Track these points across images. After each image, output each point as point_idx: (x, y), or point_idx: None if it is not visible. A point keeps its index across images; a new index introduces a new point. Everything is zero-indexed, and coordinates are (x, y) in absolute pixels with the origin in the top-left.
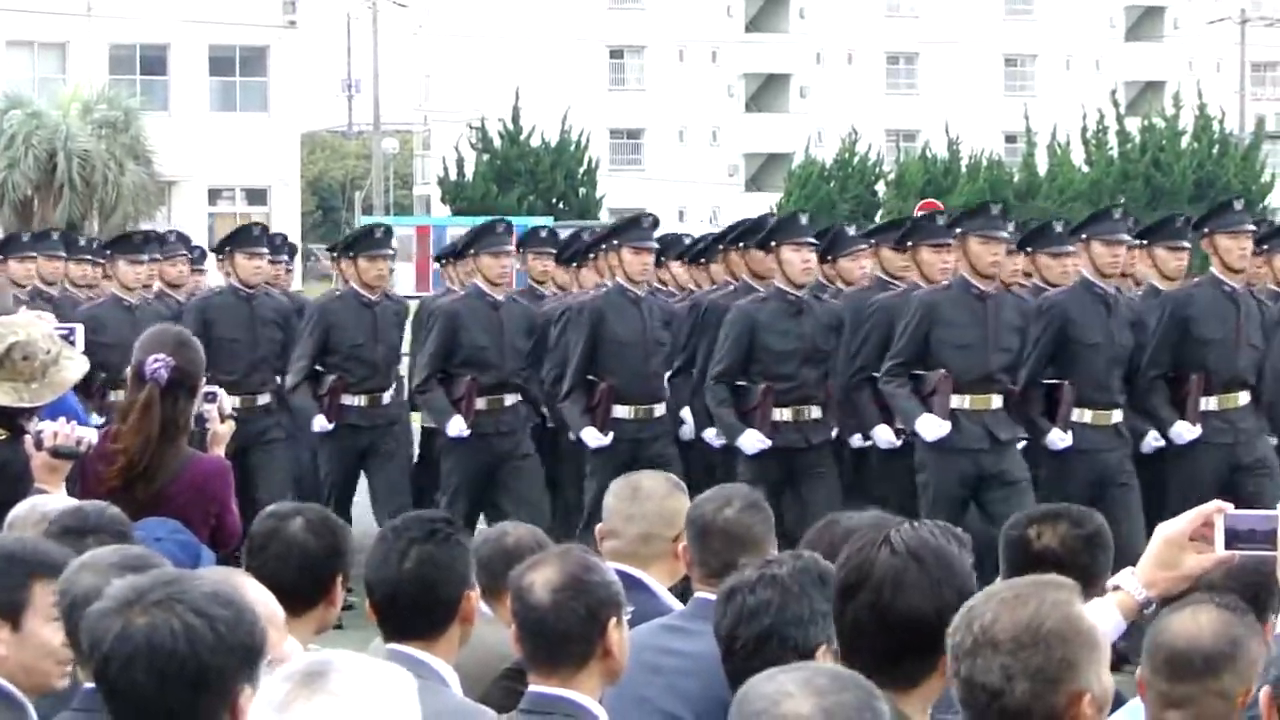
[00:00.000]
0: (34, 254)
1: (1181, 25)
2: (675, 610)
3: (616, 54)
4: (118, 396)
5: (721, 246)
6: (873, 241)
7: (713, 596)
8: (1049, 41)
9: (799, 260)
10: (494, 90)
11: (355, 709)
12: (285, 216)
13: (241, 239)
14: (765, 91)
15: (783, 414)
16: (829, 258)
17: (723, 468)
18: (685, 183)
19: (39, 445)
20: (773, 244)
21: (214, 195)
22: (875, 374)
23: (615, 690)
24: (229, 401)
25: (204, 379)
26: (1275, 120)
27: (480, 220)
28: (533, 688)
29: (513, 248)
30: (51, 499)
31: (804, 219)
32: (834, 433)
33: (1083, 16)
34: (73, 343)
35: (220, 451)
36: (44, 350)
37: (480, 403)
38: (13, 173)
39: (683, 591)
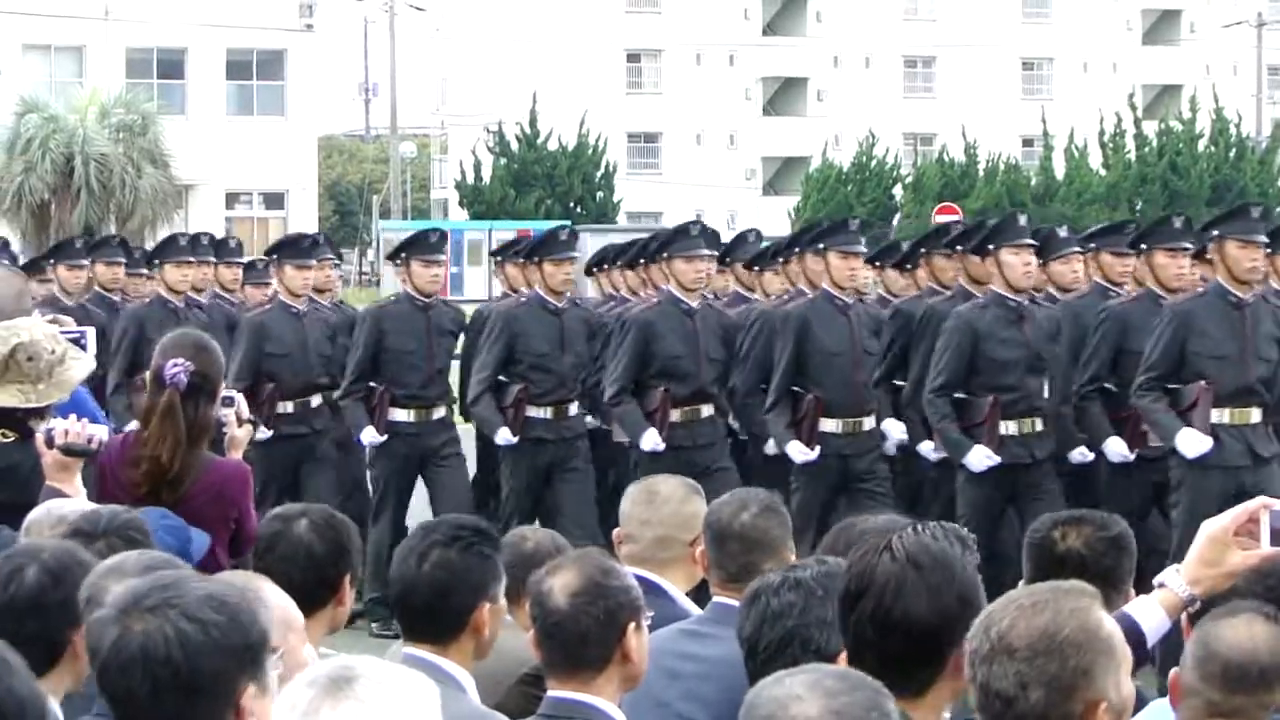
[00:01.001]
0: (86, 260)
1: (1198, 29)
2: (692, 615)
3: (634, 57)
4: None
5: (796, 250)
6: (1093, 245)
7: (731, 601)
8: (1066, 45)
9: (1019, 264)
10: (511, 94)
11: (381, 716)
12: (302, 221)
13: (287, 248)
14: (782, 95)
15: (1008, 427)
16: (1039, 261)
17: (931, 484)
18: (702, 186)
19: (50, 444)
20: (991, 247)
21: (231, 199)
22: (1107, 385)
23: (633, 695)
24: (246, 407)
25: (224, 383)
26: None
27: (504, 223)
28: (551, 693)
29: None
30: (69, 503)
31: (1022, 220)
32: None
33: (1100, 20)
34: (84, 346)
35: (238, 455)
36: (49, 351)
37: (674, 414)
38: (30, 177)
39: (700, 596)
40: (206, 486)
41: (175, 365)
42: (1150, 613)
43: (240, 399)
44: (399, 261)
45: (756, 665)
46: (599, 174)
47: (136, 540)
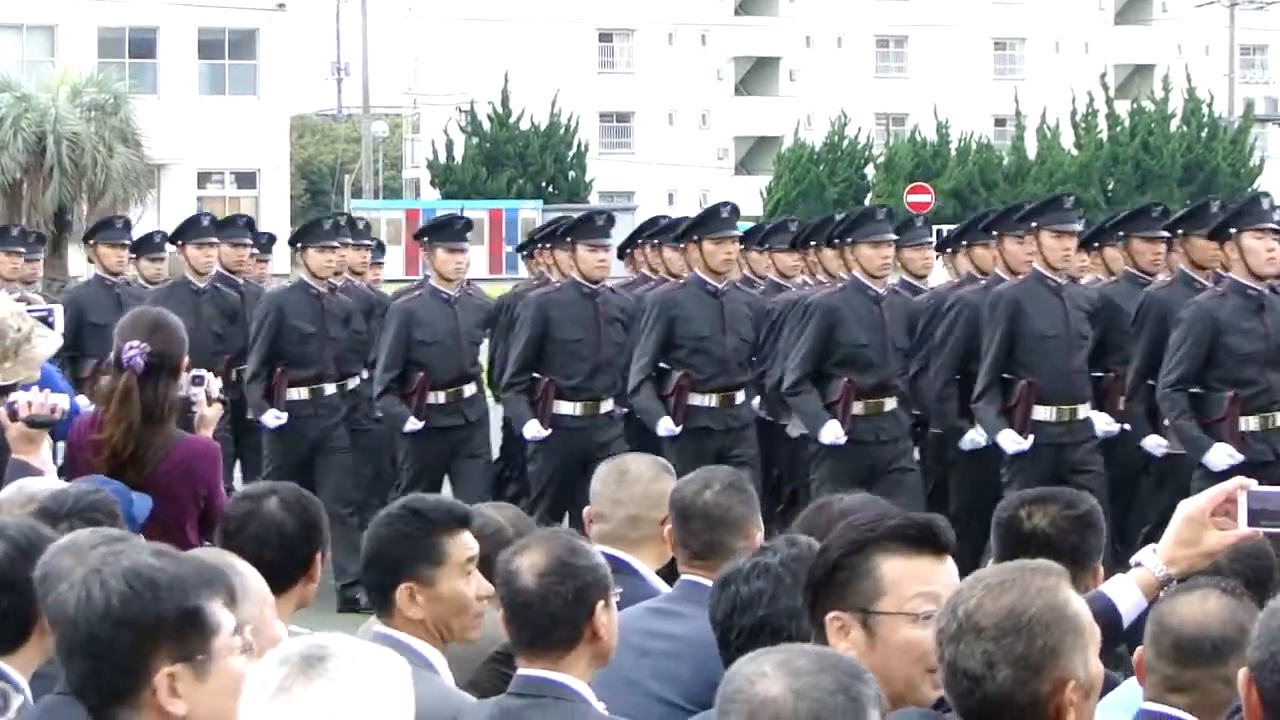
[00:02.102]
0: (216, 240)
1: (1171, 8)
2: (662, 593)
3: (606, 37)
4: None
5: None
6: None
7: (698, 578)
8: (1038, 24)
9: (1263, 249)
10: (483, 73)
11: (353, 695)
12: (274, 200)
13: (312, 231)
14: (755, 75)
15: (1248, 423)
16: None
17: (1153, 478)
18: (675, 166)
19: (13, 416)
20: (1232, 231)
21: (203, 179)
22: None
23: (603, 674)
24: (216, 385)
25: (186, 359)
26: (1264, 104)
27: (476, 203)
28: (521, 670)
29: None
30: (39, 481)
31: (1265, 203)
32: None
33: None
34: (51, 324)
35: (208, 434)
36: (14, 329)
37: (857, 407)
38: (1, 156)
39: (670, 574)
40: (175, 464)
41: (131, 348)
42: (1126, 593)
43: (210, 378)
44: (561, 246)
45: (730, 653)
46: (571, 153)
47: (101, 520)
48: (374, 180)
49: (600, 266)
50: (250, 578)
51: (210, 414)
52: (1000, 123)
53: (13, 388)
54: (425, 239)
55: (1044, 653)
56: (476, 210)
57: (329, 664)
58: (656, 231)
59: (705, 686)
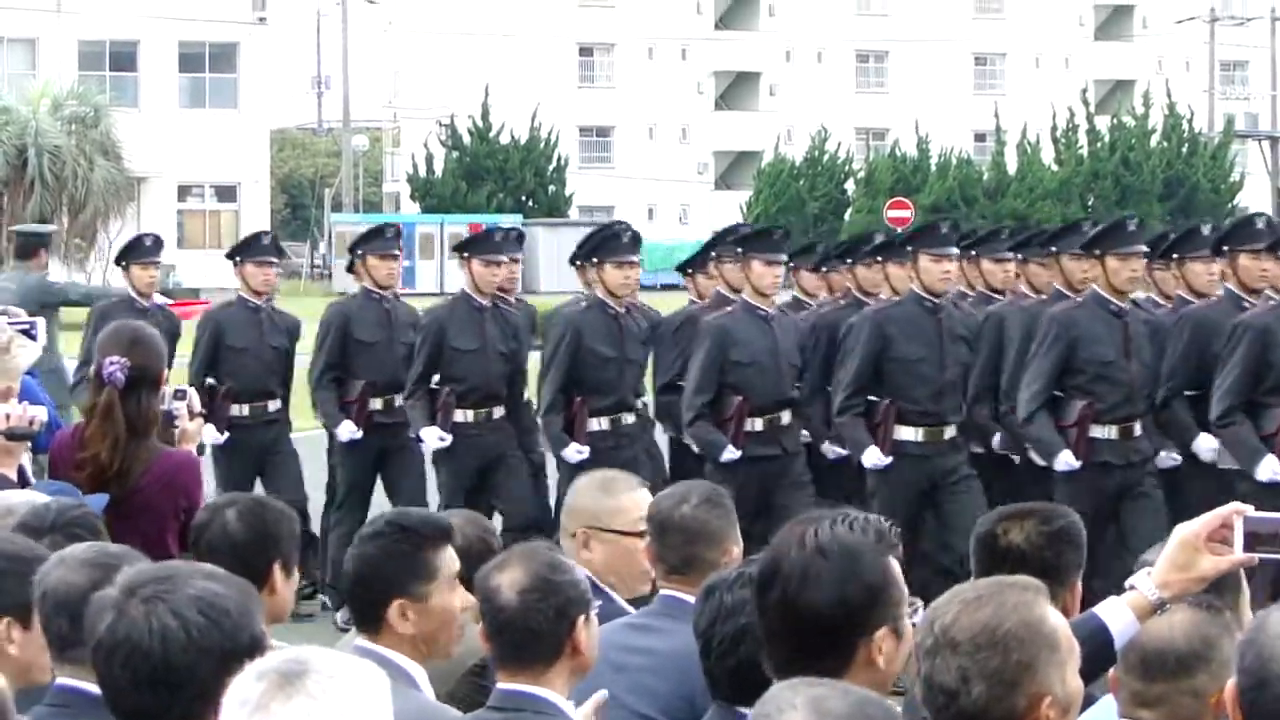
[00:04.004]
0: (275, 261)
1: (1151, 24)
2: (627, 611)
3: (586, 51)
4: None
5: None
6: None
7: (676, 593)
8: (1018, 40)
9: None
10: (464, 87)
11: (332, 710)
12: (254, 213)
13: (373, 240)
14: (735, 89)
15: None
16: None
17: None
18: (654, 180)
19: None
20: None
21: (183, 192)
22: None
23: (581, 689)
24: (198, 400)
25: (167, 372)
26: (1244, 119)
27: (456, 217)
28: (501, 685)
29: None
30: (16, 494)
31: None
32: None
33: (1052, 15)
34: (33, 336)
35: (191, 449)
36: None
37: (912, 433)
38: None
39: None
40: (156, 477)
41: (112, 363)
42: (1118, 614)
43: (192, 393)
44: (730, 258)
45: (711, 661)
46: (551, 168)
47: (83, 536)
48: (354, 194)
49: (776, 284)
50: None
51: (193, 428)
52: (980, 138)
53: None
54: (465, 253)
55: (1019, 668)
56: (456, 224)
57: (308, 679)
58: (846, 251)
59: (683, 701)
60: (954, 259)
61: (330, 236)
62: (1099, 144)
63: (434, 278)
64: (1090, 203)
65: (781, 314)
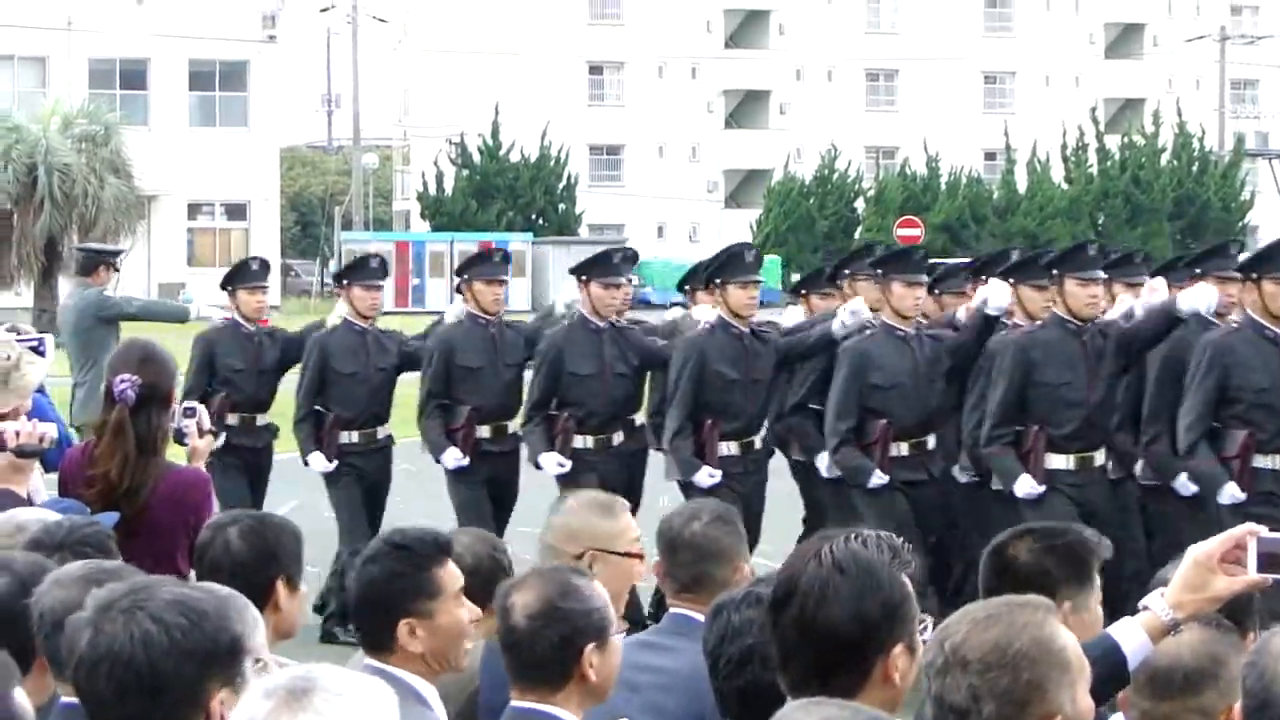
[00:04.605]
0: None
1: (1161, 42)
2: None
3: (596, 70)
4: None
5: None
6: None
7: (686, 611)
8: (1028, 58)
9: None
10: (474, 105)
11: None
12: (265, 232)
13: (480, 266)
14: (745, 108)
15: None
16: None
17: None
18: (664, 199)
19: (2, 446)
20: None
21: (193, 210)
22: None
23: (593, 709)
24: (207, 417)
25: (176, 389)
26: (1255, 138)
27: (466, 235)
28: (513, 703)
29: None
30: (27, 511)
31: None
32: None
33: (1062, 33)
34: (42, 353)
35: (201, 466)
36: (3, 357)
37: (1062, 461)
38: None
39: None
40: (166, 494)
41: (122, 381)
42: (1132, 635)
43: (202, 409)
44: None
45: (719, 680)
46: (561, 186)
47: (92, 554)
48: (364, 212)
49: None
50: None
51: (202, 445)
52: (990, 157)
53: (3, 417)
54: (584, 276)
55: (1029, 687)
56: (466, 243)
57: (315, 697)
58: (1015, 269)
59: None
60: (1100, 282)
61: (340, 255)
62: (1109, 163)
63: (444, 296)
64: (1100, 222)
65: (923, 335)
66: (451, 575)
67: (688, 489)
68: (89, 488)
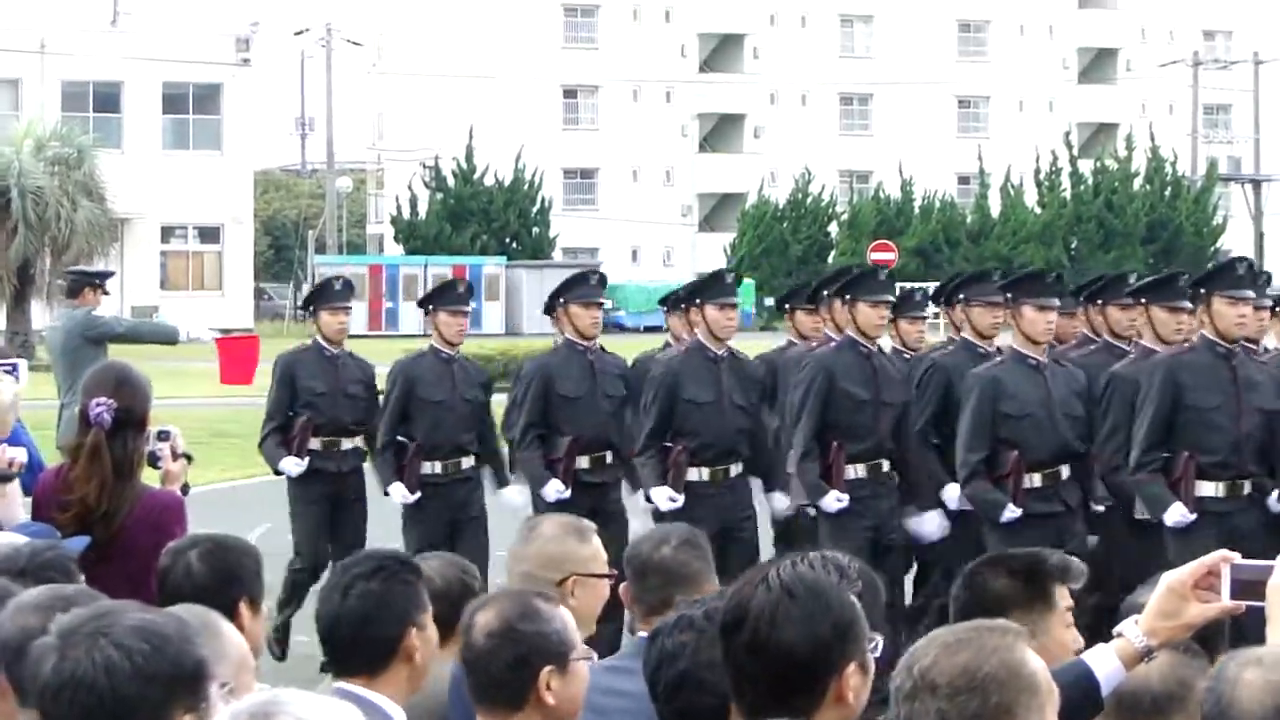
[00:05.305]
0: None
1: (1135, 67)
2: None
3: (570, 93)
4: None
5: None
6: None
7: None
8: (1002, 83)
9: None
10: (448, 129)
11: None
12: (238, 255)
13: (577, 286)
14: (719, 131)
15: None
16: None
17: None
18: (639, 222)
19: None
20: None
21: (167, 233)
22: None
23: None
24: (181, 440)
25: (150, 412)
26: (1228, 163)
27: (440, 259)
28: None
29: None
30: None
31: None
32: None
33: (1036, 58)
34: (16, 376)
35: (175, 489)
36: None
37: (1211, 488)
38: None
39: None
40: (141, 517)
41: (98, 405)
42: (1104, 661)
43: (176, 432)
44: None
45: (659, 706)
46: (535, 210)
47: (56, 579)
48: (338, 235)
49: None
50: (230, 639)
51: (176, 469)
52: (964, 181)
53: None
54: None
55: (998, 711)
56: (440, 266)
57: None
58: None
59: None
60: (1249, 302)
61: (314, 278)
62: (1082, 187)
63: (417, 320)
64: (1073, 246)
65: (1056, 363)
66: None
67: (819, 514)
68: (64, 512)
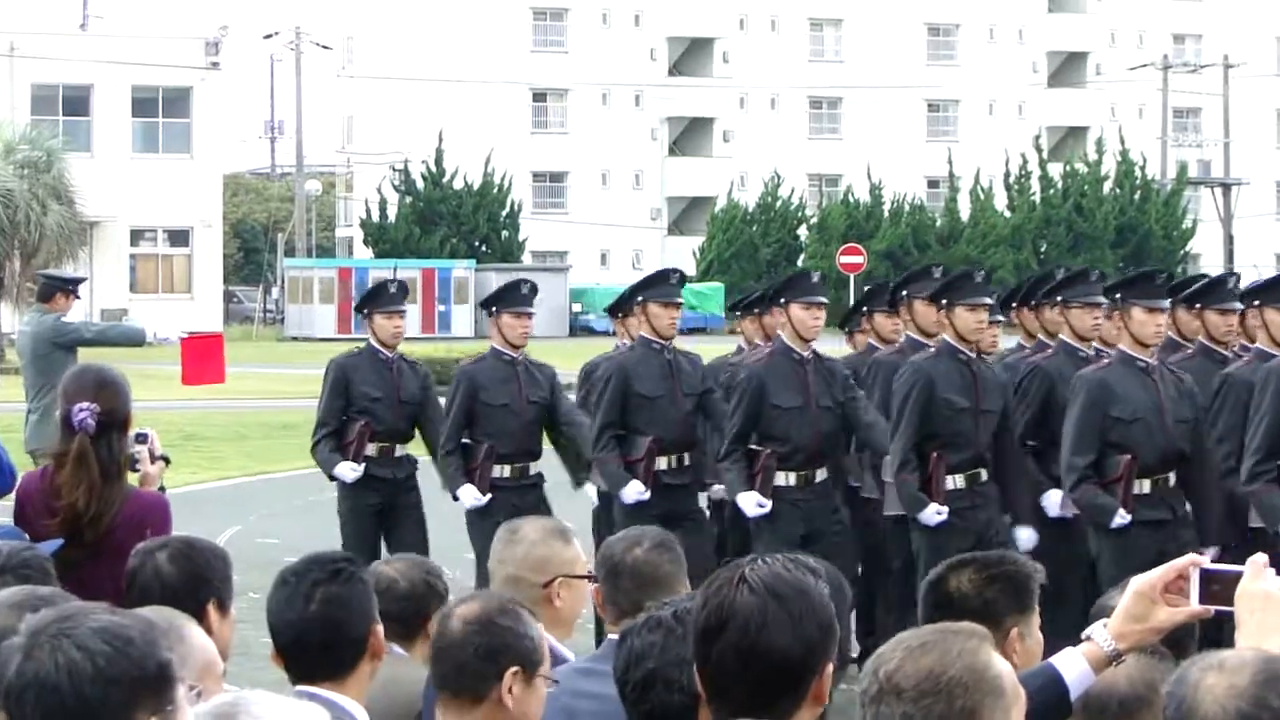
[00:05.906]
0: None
1: (1104, 71)
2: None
3: (539, 97)
4: None
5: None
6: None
7: None
8: (972, 86)
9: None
10: (417, 132)
11: None
12: (207, 258)
13: (658, 284)
14: (688, 135)
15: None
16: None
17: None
18: (608, 226)
19: None
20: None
21: (136, 236)
22: None
23: None
24: (158, 442)
25: (132, 413)
26: (1197, 167)
27: (409, 262)
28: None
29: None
30: None
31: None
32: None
33: (1005, 62)
34: None
35: (154, 491)
36: None
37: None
38: None
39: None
40: (127, 519)
41: (81, 410)
42: (1073, 665)
43: (154, 435)
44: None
45: (628, 707)
46: (504, 213)
47: (32, 579)
48: (307, 239)
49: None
50: (196, 642)
51: (154, 471)
52: (933, 184)
53: None
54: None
55: (963, 714)
56: (409, 270)
57: None
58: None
59: None
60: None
61: (283, 281)
62: (1052, 190)
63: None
64: (1043, 249)
65: (1163, 366)
66: None
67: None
68: (53, 517)
